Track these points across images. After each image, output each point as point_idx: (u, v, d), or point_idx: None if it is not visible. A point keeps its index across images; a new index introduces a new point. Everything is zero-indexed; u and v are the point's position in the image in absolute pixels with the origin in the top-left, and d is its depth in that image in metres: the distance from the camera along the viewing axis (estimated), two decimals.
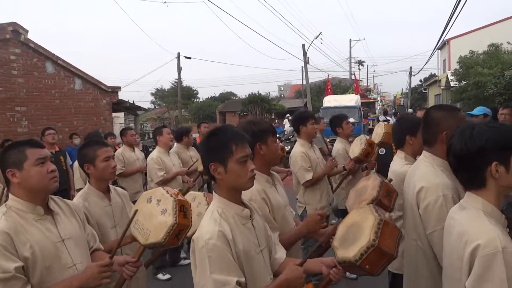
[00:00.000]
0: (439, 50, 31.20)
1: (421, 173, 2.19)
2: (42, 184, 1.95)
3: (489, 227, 1.45)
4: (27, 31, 9.53)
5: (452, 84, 21.21)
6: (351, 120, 6.86)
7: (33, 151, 1.95)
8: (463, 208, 1.61)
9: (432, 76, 39.45)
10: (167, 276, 5.06)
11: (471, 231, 1.48)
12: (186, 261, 5.35)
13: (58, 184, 2.03)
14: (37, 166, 1.93)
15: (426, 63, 54.16)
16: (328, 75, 27.46)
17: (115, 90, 12.46)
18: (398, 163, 2.88)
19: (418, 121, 2.84)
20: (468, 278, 1.45)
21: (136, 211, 2.11)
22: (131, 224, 2.15)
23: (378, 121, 17.61)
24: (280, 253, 2.03)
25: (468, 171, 1.57)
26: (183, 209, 2.06)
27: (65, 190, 6.05)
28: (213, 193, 1.90)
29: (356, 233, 1.78)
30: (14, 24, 9.22)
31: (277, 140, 2.45)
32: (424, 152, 2.29)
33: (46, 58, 10.15)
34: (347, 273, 1.95)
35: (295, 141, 5.33)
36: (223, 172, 1.78)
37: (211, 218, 1.76)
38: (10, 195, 1.96)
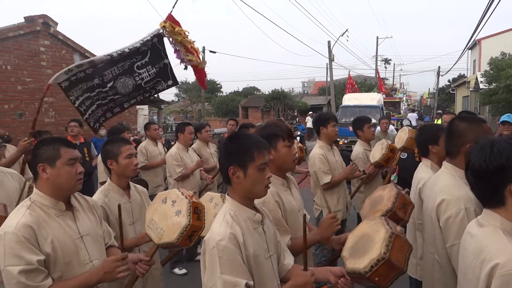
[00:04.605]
0: (469, 50, 30.34)
1: (442, 185, 2.14)
2: (70, 184, 2.01)
3: (508, 246, 1.40)
4: (56, 24, 9.77)
5: (481, 86, 20.64)
6: (373, 121, 6.70)
7: (67, 151, 2.01)
8: (481, 225, 1.57)
9: (461, 77, 38.50)
10: (184, 270, 5.14)
11: (489, 249, 1.44)
12: None
13: (81, 186, 2.09)
14: (68, 166, 1.99)
15: (456, 63, 52.80)
16: (349, 71, 26.52)
17: None
18: (424, 171, 2.83)
19: (438, 129, 2.89)
20: None
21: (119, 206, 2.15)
22: (146, 223, 2.20)
23: (402, 125, 16.92)
24: (289, 260, 2.03)
25: (486, 189, 1.53)
26: (197, 211, 2.10)
27: (86, 181, 6.20)
28: (226, 195, 1.92)
29: (366, 245, 1.77)
30: (44, 16, 9.47)
31: (291, 143, 2.37)
32: (445, 163, 2.23)
33: (74, 50, 10.39)
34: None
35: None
36: (242, 176, 1.79)
37: (223, 220, 1.77)
38: (35, 189, 2.02)
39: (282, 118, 25.01)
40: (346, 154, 5.41)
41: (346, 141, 14.18)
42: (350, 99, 18.81)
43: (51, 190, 1.99)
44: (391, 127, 12.24)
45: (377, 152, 4.32)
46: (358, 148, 4.93)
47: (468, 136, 2.08)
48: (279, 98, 29.38)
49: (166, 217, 2.12)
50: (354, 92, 22.31)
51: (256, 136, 1.94)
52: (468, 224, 1.69)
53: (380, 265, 1.66)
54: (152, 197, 2.88)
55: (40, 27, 9.32)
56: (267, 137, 2.29)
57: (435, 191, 2.17)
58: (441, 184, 2.16)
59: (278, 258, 1.98)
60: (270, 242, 1.90)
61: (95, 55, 10.90)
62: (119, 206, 2.14)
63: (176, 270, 5.14)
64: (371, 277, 1.68)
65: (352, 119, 5.59)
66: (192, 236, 2.08)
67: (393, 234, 1.72)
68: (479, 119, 2.29)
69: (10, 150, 4.18)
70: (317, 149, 4.14)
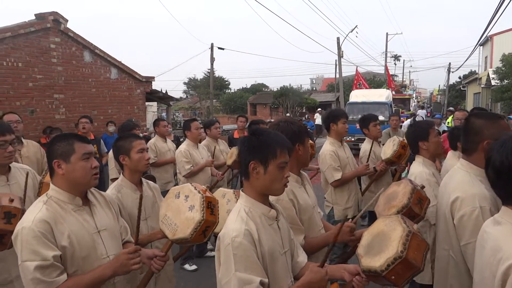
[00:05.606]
0: (481, 47, 29.99)
1: (457, 182, 2.12)
2: (85, 179, 2.01)
3: None
4: (67, 21, 9.80)
5: (493, 82, 20.42)
6: (381, 118, 6.62)
7: (81, 146, 2.02)
8: (498, 222, 1.55)
9: (472, 73, 37.99)
10: (194, 266, 5.16)
11: (506, 248, 1.42)
12: (213, 253, 5.35)
13: (98, 181, 2.09)
14: (83, 160, 2.00)
15: (467, 59, 52.06)
16: (357, 67, 25.89)
17: (149, 80, 12.65)
18: (414, 167, 3.01)
19: (428, 126, 3.04)
20: None
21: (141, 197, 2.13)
22: (160, 219, 2.20)
23: (414, 121, 16.57)
24: (302, 257, 2.03)
25: (507, 186, 1.51)
26: (210, 206, 2.09)
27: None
28: (241, 191, 1.91)
29: (382, 243, 1.75)
30: (54, 13, 9.50)
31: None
32: (461, 160, 2.21)
33: (84, 47, 10.42)
34: None
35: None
36: (262, 172, 1.79)
37: (238, 216, 1.77)
38: (51, 185, 2.03)
39: (289, 115, 24.96)
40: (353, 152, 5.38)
41: (353, 139, 13.99)
42: (357, 95, 18.05)
43: (67, 185, 2.00)
44: (408, 122, 12.01)
45: (389, 149, 4.29)
46: (366, 146, 4.88)
47: (485, 133, 2.06)
48: (287, 94, 29.27)
49: (179, 212, 2.11)
50: (363, 88, 21.97)
51: (280, 133, 1.94)
52: (485, 222, 1.67)
53: (397, 264, 1.65)
54: (163, 193, 2.90)
55: (50, 24, 9.36)
56: (298, 133, 2.33)
57: (449, 188, 2.15)
58: (455, 181, 2.14)
59: (292, 255, 1.97)
60: (284, 239, 1.89)
61: (106, 52, 11.01)
62: (140, 196, 2.13)
63: (187, 266, 5.15)
64: (387, 275, 1.67)
65: (359, 116, 5.52)
66: (206, 231, 2.07)
67: (410, 232, 1.71)
68: (496, 115, 2.26)
69: (30, 144, 4.21)
70: (328, 146, 4.12)
